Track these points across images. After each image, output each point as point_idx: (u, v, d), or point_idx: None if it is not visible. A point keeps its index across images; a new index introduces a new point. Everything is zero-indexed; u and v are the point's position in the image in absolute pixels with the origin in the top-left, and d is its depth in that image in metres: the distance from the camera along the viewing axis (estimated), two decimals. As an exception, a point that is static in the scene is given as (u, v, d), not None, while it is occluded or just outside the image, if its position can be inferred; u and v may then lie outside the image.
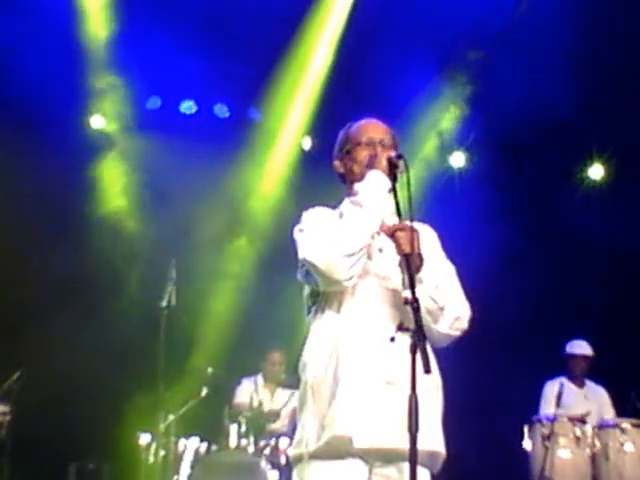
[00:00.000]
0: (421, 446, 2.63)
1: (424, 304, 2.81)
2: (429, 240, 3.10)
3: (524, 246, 8.21)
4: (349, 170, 3.14)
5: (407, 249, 2.83)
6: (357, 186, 2.99)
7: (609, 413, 7.15)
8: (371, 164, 3.03)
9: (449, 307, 2.98)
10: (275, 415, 6.62)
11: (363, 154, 3.10)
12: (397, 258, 2.88)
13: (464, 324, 3.04)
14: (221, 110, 8.66)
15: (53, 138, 7.75)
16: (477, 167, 8.91)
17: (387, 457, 2.86)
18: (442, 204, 7.82)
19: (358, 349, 2.89)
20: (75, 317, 7.59)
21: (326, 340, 2.95)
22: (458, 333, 3.05)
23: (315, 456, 2.87)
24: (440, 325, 2.98)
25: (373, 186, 2.96)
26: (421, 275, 2.88)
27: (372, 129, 3.16)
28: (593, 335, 7.52)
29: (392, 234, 2.90)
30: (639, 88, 7.79)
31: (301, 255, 2.92)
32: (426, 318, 2.83)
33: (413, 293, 2.73)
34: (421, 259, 2.89)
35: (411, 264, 2.81)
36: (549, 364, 7.42)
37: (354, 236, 2.87)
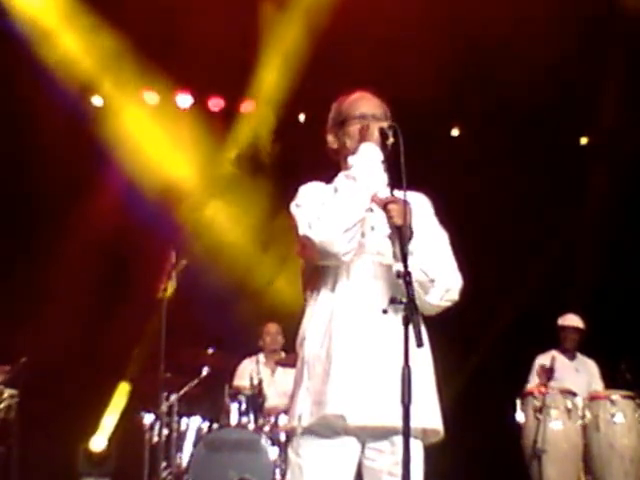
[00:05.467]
0: (416, 423, 2.64)
1: (415, 276, 2.79)
2: (422, 209, 3.07)
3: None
4: (342, 145, 3.12)
5: (399, 221, 2.83)
6: (351, 159, 2.96)
7: (597, 385, 7.20)
8: (363, 137, 3.01)
9: (440, 279, 2.95)
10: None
11: (356, 128, 3.06)
12: (388, 231, 2.89)
13: (455, 295, 3.02)
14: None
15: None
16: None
17: (381, 434, 2.89)
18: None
19: (352, 326, 2.90)
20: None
21: (321, 317, 2.96)
22: (449, 304, 3.02)
23: (308, 431, 2.89)
24: (431, 297, 2.96)
25: (366, 158, 2.94)
26: (411, 247, 2.85)
27: (365, 104, 3.12)
28: (583, 307, 7.60)
29: (384, 207, 2.89)
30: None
31: (300, 231, 2.90)
32: (417, 290, 2.81)
33: (405, 266, 2.72)
34: (411, 231, 2.87)
35: (403, 236, 2.80)
36: (542, 337, 7.49)
37: (350, 211, 2.86)
